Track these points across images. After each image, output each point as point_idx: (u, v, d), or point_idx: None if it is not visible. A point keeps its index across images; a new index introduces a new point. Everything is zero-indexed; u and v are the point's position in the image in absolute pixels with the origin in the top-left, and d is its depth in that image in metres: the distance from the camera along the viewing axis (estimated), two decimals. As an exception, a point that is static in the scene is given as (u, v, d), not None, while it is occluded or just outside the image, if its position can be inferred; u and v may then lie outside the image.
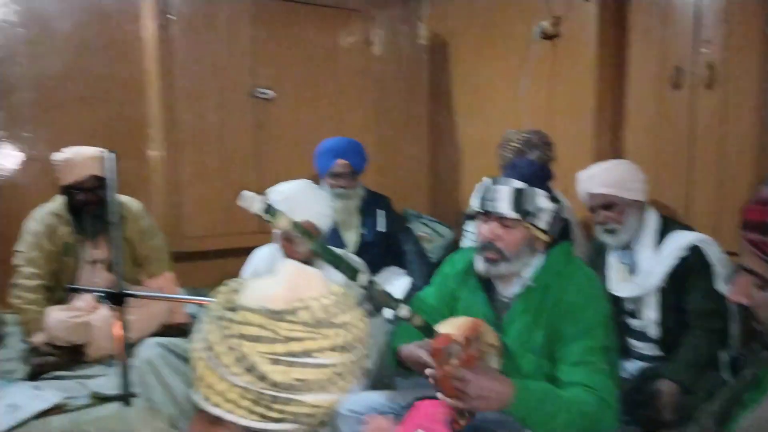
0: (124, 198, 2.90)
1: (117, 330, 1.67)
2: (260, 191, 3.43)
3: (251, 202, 1.02)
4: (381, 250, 3.02)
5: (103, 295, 1.69)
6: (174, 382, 2.06)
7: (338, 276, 1.31)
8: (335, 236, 2.90)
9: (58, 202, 2.78)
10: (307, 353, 0.79)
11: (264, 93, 3.46)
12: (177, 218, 3.30)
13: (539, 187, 1.59)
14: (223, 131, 3.38)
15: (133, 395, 1.88)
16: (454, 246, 3.62)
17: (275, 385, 0.79)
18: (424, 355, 1.42)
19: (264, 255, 2.38)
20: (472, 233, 2.73)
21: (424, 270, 2.99)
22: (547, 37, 3.25)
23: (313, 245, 1.07)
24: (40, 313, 2.63)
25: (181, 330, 2.84)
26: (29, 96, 3.09)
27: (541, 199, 1.59)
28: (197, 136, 3.32)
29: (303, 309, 0.81)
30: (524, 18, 3.37)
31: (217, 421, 0.82)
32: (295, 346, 0.79)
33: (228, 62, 3.35)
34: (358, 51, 3.79)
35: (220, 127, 3.37)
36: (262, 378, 0.78)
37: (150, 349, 2.09)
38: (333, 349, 0.81)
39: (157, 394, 2.03)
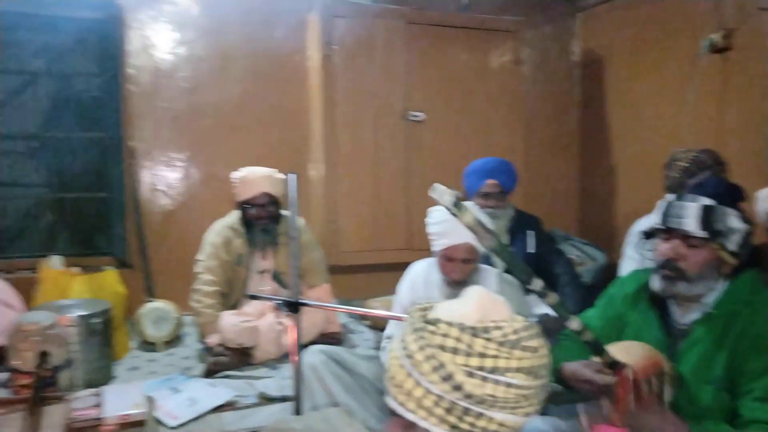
0: (288, 213, 3.13)
1: (292, 336, 1.81)
2: (408, 211, 3.56)
3: (441, 194, 1.08)
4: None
5: (280, 302, 1.83)
6: (335, 388, 2.16)
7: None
8: (484, 257, 2.90)
9: (233, 217, 3.06)
10: (498, 371, 0.82)
11: (415, 116, 3.57)
12: (333, 233, 3.49)
13: (730, 207, 1.47)
14: (376, 152, 3.54)
15: (298, 398, 2.00)
16: (607, 270, 3.45)
17: (468, 396, 0.82)
18: (598, 379, 1.37)
19: (420, 269, 2.44)
20: (646, 253, 2.57)
21: (578, 294, 2.87)
22: (717, 50, 3.02)
23: (495, 243, 1.10)
24: (215, 316, 2.89)
25: (334, 339, 2.99)
26: (211, 121, 3.48)
27: (732, 219, 1.47)
28: (353, 157, 3.50)
29: (495, 329, 0.84)
30: (690, 31, 3.17)
31: (411, 426, 0.86)
32: (488, 362, 0.82)
33: (383, 87, 3.51)
34: (507, 71, 3.79)
35: (374, 149, 3.53)
36: (457, 388, 0.82)
37: (314, 356, 2.22)
38: (521, 370, 0.83)
39: (319, 398, 2.15)
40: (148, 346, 3.08)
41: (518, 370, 0.83)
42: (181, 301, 3.21)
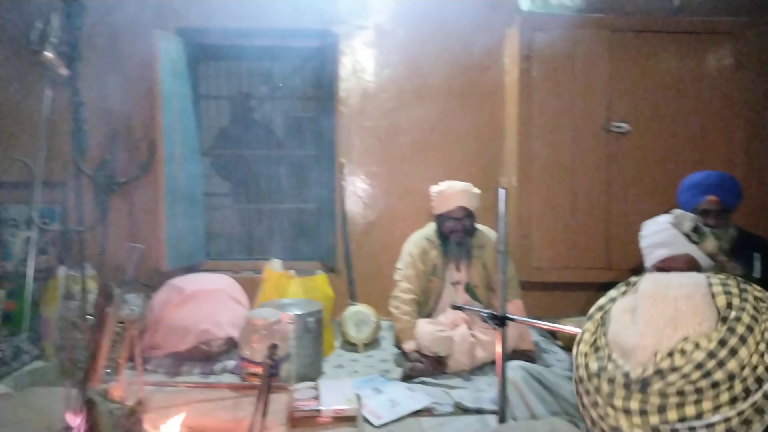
0: (481, 227, 3.17)
1: (497, 349, 1.83)
2: (607, 227, 3.39)
3: (680, 219, 1.03)
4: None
5: (486, 315, 1.87)
6: (536, 406, 2.13)
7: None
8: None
9: (430, 228, 3.18)
10: None
11: (619, 127, 3.40)
12: (525, 248, 3.45)
13: None
14: (574, 165, 3.43)
15: (503, 411, 2.01)
16: None
17: None
18: None
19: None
20: None
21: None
22: None
23: (741, 272, 1.02)
24: (412, 323, 3.03)
25: (528, 356, 2.95)
26: (410, 138, 3.66)
27: None
28: (549, 171, 3.43)
29: None
30: None
31: None
32: None
33: (583, 98, 3.39)
34: (726, 76, 3.43)
35: (571, 162, 3.42)
36: None
37: (514, 371, 2.21)
38: None
39: (520, 413, 2.14)
40: (350, 346, 3.32)
41: None
42: (379, 306, 3.42)
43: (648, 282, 0.82)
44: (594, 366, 0.83)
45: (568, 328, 1.81)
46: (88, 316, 2.61)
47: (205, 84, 3.98)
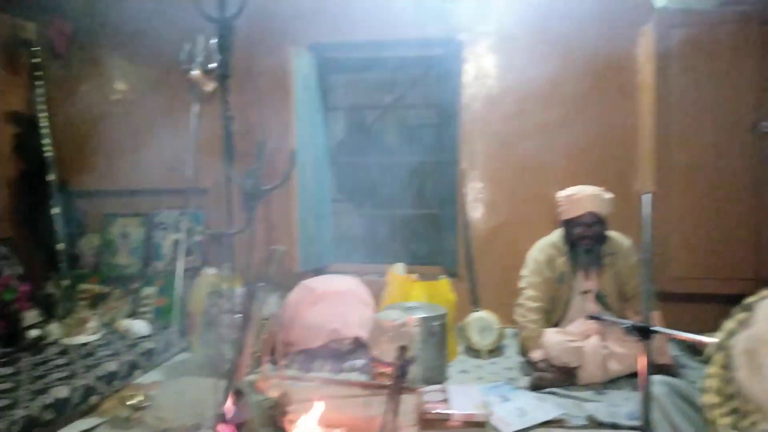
0: (614, 234, 3.04)
1: (642, 363, 1.75)
2: (757, 235, 3.11)
3: None
4: None
5: (628, 327, 1.79)
6: (680, 422, 2.02)
7: None
8: None
9: (557, 235, 3.10)
10: None
11: (769, 126, 3.12)
12: (662, 257, 3.26)
13: None
14: (717, 168, 3.19)
15: (647, 427, 1.92)
16: None
17: None
18: None
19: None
20: None
21: None
22: None
23: None
24: (539, 332, 2.97)
25: (668, 371, 2.78)
26: (536, 142, 3.60)
27: None
28: (689, 174, 3.22)
29: None
30: None
31: None
32: None
33: (728, 97, 3.15)
34: None
35: (714, 165, 3.19)
36: None
37: (656, 387, 2.10)
38: None
39: (662, 430, 2.03)
40: (473, 352, 3.31)
41: None
42: (503, 313, 3.38)
43: (765, 311, 0.74)
44: (725, 421, 0.76)
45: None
46: (231, 313, 2.83)
47: (332, 95, 4.16)
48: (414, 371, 2.78)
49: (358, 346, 3.21)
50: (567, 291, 3.05)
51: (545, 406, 2.55)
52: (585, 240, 2.97)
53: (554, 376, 2.81)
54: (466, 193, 3.69)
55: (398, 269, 3.49)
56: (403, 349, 2.15)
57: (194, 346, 3.57)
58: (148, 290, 3.86)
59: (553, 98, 3.56)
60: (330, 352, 3.15)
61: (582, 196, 2.95)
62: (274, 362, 3.01)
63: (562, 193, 3.02)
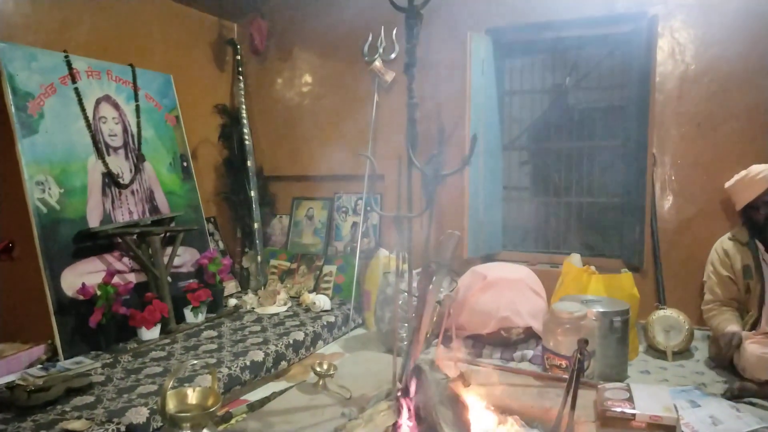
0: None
1: None
2: None
3: None
4: None
5: None
6: None
7: None
8: None
9: (736, 229, 2.81)
10: None
11: None
12: None
13: None
14: None
15: None
16: None
17: None
18: None
19: None
20: None
21: None
22: None
23: None
24: (729, 319, 2.74)
25: None
26: (740, 124, 3.20)
27: None
28: None
29: None
30: None
31: None
32: None
33: None
34: None
35: None
36: None
37: None
38: None
39: None
40: (656, 352, 3.08)
41: None
42: (691, 313, 3.10)
43: None
44: None
45: None
46: (405, 293, 2.93)
47: (509, 79, 4.09)
48: (592, 367, 2.66)
49: (529, 336, 3.15)
50: (757, 285, 2.72)
51: (743, 417, 2.28)
52: None
53: (756, 387, 2.52)
54: (655, 180, 3.40)
55: (574, 260, 3.35)
56: (583, 342, 2.06)
57: (369, 323, 3.79)
58: (329, 268, 4.15)
59: (762, 76, 3.13)
60: (499, 339, 3.13)
61: (754, 175, 2.69)
62: (446, 344, 3.07)
63: (730, 183, 2.73)
